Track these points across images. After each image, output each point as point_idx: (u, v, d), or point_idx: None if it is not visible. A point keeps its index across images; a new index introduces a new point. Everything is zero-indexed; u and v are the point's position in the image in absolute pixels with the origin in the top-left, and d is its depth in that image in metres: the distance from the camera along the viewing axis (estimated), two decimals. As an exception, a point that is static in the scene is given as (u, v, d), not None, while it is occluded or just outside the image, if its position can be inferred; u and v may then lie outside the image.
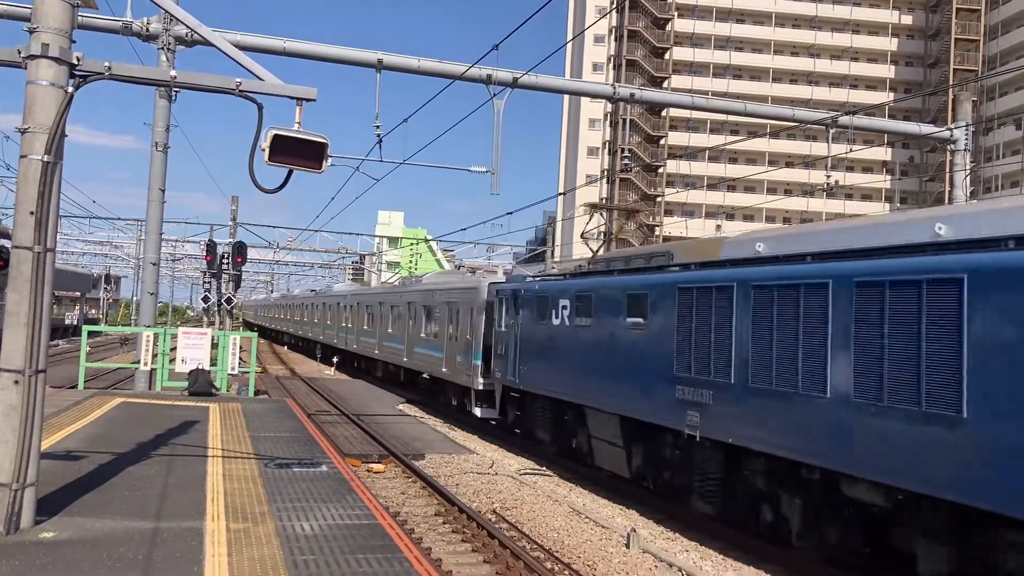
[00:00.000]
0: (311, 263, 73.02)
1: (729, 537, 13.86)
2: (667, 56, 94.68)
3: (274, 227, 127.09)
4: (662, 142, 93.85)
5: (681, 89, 72.49)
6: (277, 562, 7.77)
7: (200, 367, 21.28)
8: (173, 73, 9.49)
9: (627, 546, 13.10)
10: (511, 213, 70.53)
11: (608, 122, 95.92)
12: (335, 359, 46.92)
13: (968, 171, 22.55)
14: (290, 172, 9.50)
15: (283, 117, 9.82)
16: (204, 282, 41.40)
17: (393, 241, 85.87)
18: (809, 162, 75.57)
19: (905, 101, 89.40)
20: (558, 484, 18.11)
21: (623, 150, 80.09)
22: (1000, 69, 79.19)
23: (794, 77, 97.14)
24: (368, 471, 17.95)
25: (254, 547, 8.20)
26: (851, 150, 23.12)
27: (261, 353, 58.28)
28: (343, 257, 65.71)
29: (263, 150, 9.23)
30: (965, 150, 22.31)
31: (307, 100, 9.46)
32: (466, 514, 14.34)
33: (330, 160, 10.06)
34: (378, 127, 18.96)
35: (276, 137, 9.20)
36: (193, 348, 21.60)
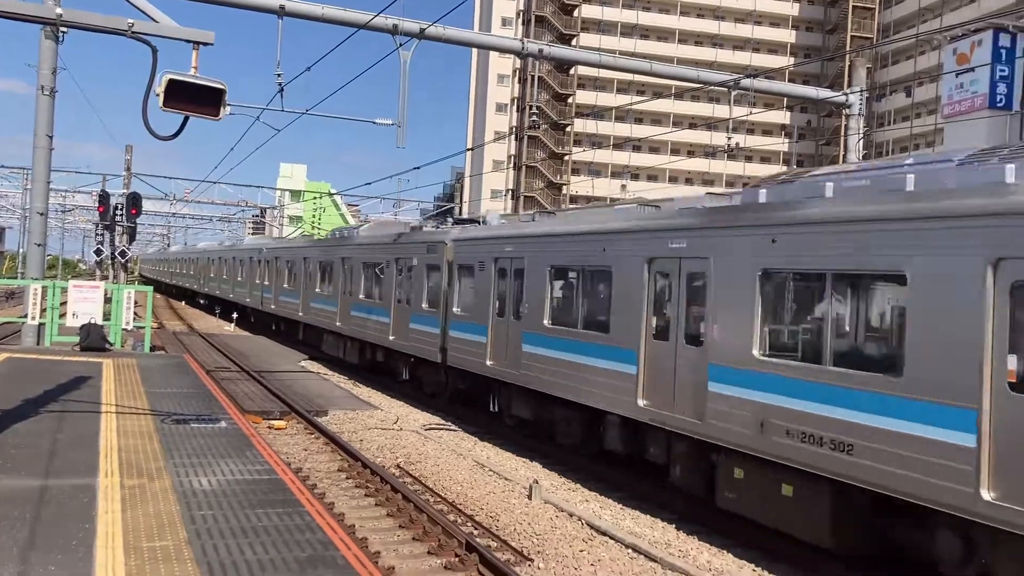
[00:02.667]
0: (210, 216, 70.85)
1: (629, 487, 14.25)
2: (576, 13, 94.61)
3: (171, 178, 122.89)
4: (570, 100, 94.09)
5: (589, 47, 72.63)
6: (174, 517, 7.64)
7: (92, 322, 20.53)
8: (59, 11, 9.01)
9: (529, 497, 13.32)
10: (418, 168, 69.97)
11: (516, 78, 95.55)
12: (234, 315, 45.88)
13: (861, 135, 23.31)
14: (186, 119, 9.20)
15: (180, 62, 9.45)
16: (96, 234, 39.84)
17: (296, 194, 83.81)
18: (712, 124, 77.06)
19: (804, 66, 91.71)
20: (463, 438, 18.25)
21: (531, 107, 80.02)
22: (893, 37, 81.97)
23: (699, 39, 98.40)
24: (269, 428, 17.70)
25: (149, 503, 8.03)
26: (751, 113, 23.74)
27: (158, 308, 56.57)
28: (243, 210, 63.92)
29: (157, 95, 8.89)
30: (859, 115, 23.02)
31: (204, 44, 9.14)
32: (370, 469, 14.33)
33: (229, 108, 9.77)
34: (279, 75, 18.37)
35: (171, 82, 8.88)
36: (84, 302, 20.81)
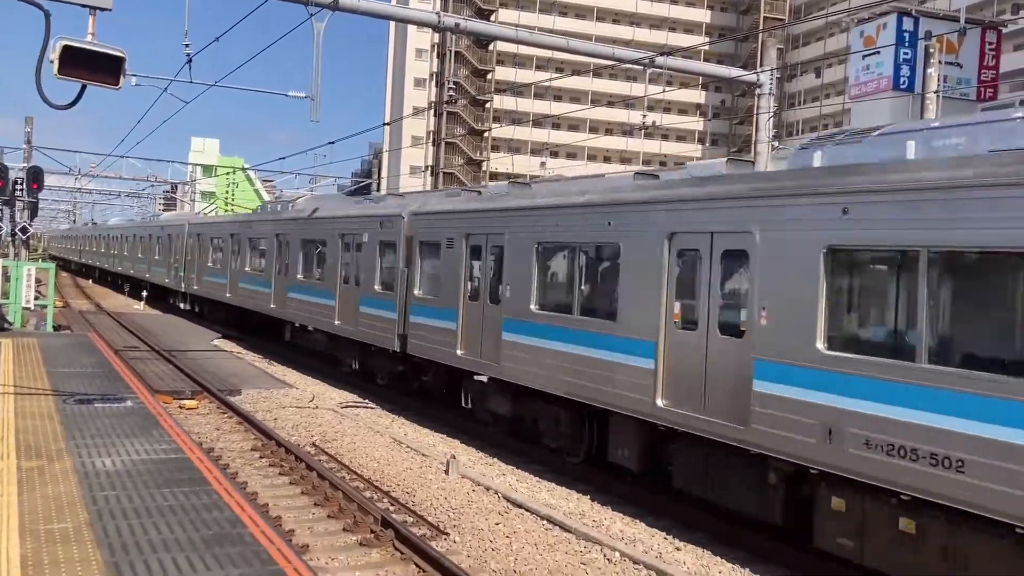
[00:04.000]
0: (118, 191, 68.29)
1: (545, 461, 14.40)
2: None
3: (75, 152, 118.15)
4: (489, 76, 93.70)
5: (507, 23, 72.33)
6: (75, 499, 7.40)
7: (-11, 300, 19.69)
8: (-58, -30, 8.52)
9: (446, 472, 13.35)
10: (333, 142, 68.48)
11: (435, 53, 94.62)
12: (144, 292, 44.36)
13: (771, 115, 23.77)
14: (83, 87, 8.83)
15: (82, 30, 9.07)
16: (-6, 210, 38.09)
17: (208, 169, 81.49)
18: (629, 102, 77.71)
19: (718, 45, 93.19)
20: (380, 415, 18.15)
21: (449, 82, 79.36)
22: (804, 19, 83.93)
23: (617, 17, 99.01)
24: (180, 408, 17.30)
25: (49, 485, 7.76)
26: (665, 91, 23.99)
27: (64, 287, 54.57)
28: (152, 185, 61.76)
29: (52, 62, 8.51)
30: (770, 95, 23.42)
31: (101, 9, 8.78)
32: (284, 448, 14.15)
33: (134, 79, 9.45)
34: (187, 46, 17.78)
35: (66, 48, 8.51)
36: (-20, 280, 19.92)
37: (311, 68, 15.26)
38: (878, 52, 42.25)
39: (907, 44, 41.83)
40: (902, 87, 41.66)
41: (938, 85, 22.75)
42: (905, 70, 42.27)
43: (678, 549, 10.47)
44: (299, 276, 23.58)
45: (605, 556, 10.08)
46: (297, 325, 24.14)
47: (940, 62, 24.78)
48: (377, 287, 18.91)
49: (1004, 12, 65.48)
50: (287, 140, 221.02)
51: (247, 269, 28.60)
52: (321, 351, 23.40)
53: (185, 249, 36.58)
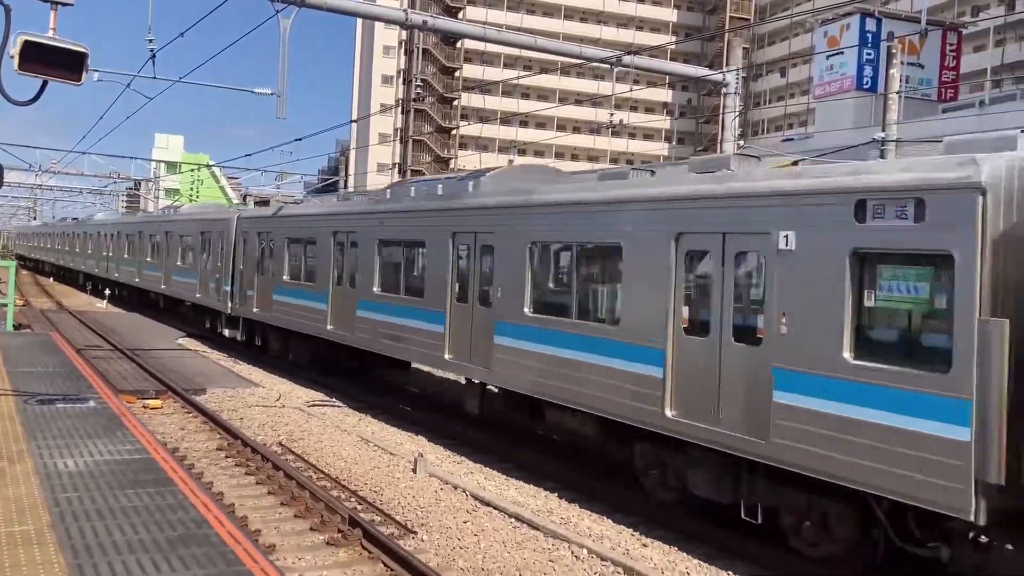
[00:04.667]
0: (80, 188, 67.32)
1: (513, 458, 14.43)
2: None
3: (36, 148, 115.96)
4: (457, 74, 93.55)
5: (475, 20, 72.18)
6: (36, 501, 7.30)
7: (-53, 299, 19.32)
8: (-103, -38, 8.37)
9: (414, 471, 13.34)
10: (300, 139, 67.84)
11: (403, 50, 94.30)
12: (107, 291, 43.67)
13: (736, 114, 23.96)
14: (45, 83, 8.72)
15: (44, 25, 8.96)
16: (-48, 207, 37.33)
17: (172, 166, 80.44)
18: (596, 101, 77.96)
19: (684, 44, 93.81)
20: (347, 414, 18.08)
21: (416, 79, 79.10)
22: (769, 19, 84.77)
23: (584, 16, 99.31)
24: (144, 407, 17.11)
25: (9, 487, 7.65)
26: (632, 90, 24.21)
27: (24, 285, 53.69)
28: (115, 182, 60.90)
29: (12, 57, 8.40)
30: (736, 94, 23.60)
31: (63, 4, 8.66)
32: (250, 447, 14.05)
33: (96, 75, 9.35)
34: (151, 41, 17.59)
35: (27, 44, 8.40)
36: (-62, 278, 19.51)
37: (277, 64, 15.09)
38: (841, 52, 42.81)
39: (870, 45, 42.40)
40: (865, 87, 42.23)
41: (900, 85, 23.10)
42: (868, 70, 42.86)
43: (645, 545, 10.55)
44: (527, 310, 13.30)
45: (573, 553, 10.13)
46: (496, 389, 14.67)
47: (902, 63, 25.14)
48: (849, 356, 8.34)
49: (964, 14, 66.64)
50: (253, 137, 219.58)
51: (376, 290, 17.95)
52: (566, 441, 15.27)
53: (233, 254, 25.72)
